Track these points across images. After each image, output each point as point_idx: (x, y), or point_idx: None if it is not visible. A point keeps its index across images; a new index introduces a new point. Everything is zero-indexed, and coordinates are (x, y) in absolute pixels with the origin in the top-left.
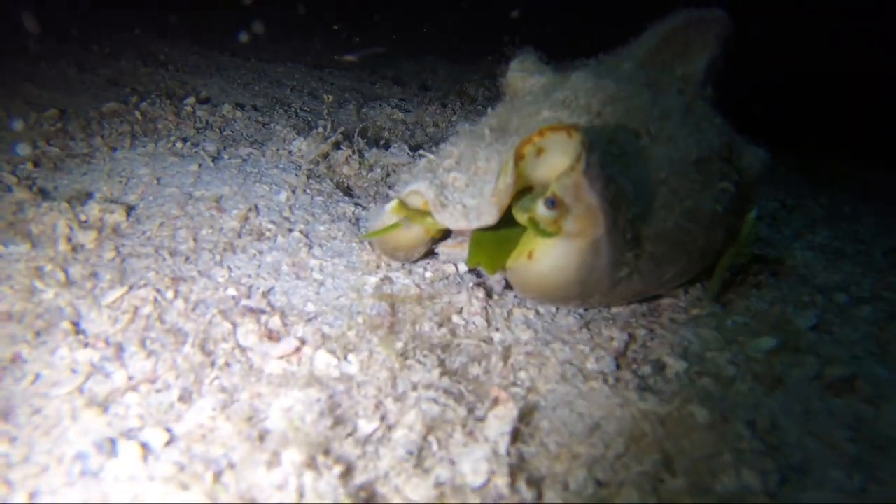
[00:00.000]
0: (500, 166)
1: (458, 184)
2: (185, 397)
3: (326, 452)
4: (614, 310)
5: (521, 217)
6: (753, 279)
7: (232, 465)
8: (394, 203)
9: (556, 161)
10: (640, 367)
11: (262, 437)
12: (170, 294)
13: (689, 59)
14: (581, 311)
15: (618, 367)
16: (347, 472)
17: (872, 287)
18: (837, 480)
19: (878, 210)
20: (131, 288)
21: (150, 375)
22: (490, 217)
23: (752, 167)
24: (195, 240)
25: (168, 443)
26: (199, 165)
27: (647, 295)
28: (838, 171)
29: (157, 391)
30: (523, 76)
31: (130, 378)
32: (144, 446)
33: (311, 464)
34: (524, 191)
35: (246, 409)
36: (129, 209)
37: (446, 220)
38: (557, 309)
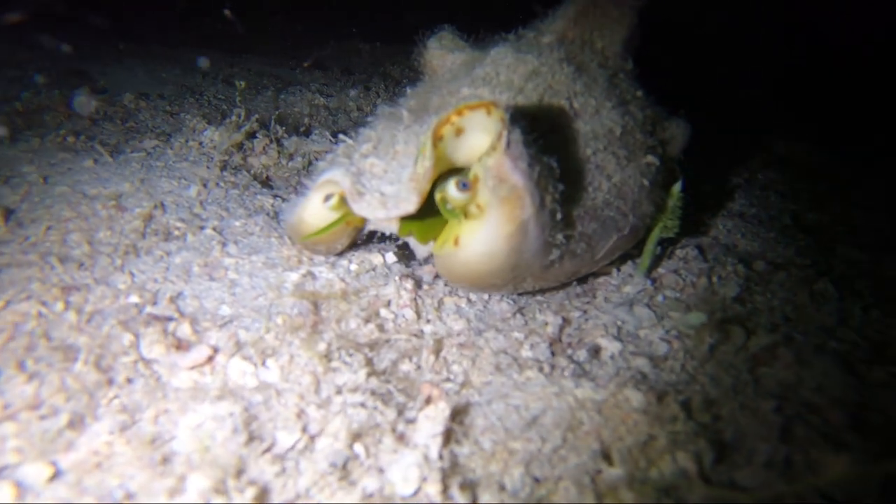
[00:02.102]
0: (418, 149)
1: (376, 170)
2: (76, 422)
3: (238, 474)
4: (548, 292)
5: (438, 199)
6: (681, 252)
7: (130, 496)
8: (334, 200)
9: (477, 140)
10: (575, 351)
11: (166, 461)
12: (59, 306)
13: (608, 31)
14: (514, 295)
15: (553, 353)
16: (263, 494)
17: (785, 252)
18: (766, 453)
19: (786, 178)
20: (9, 302)
21: (31, 401)
22: (410, 204)
23: (676, 139)
24: (90, 243)
25: (52, 477)
26: (95, 161)
27: (581, 275)
28: (758, 143)
29: (42, 418)
30: (442, 53)
31: (7, 406)
32: (19, 485)
33: (220, 489)
34: (450, 174)
35: (149, 430)
36: (8, 212)
37: (364, 209)
38: (490, 295)
